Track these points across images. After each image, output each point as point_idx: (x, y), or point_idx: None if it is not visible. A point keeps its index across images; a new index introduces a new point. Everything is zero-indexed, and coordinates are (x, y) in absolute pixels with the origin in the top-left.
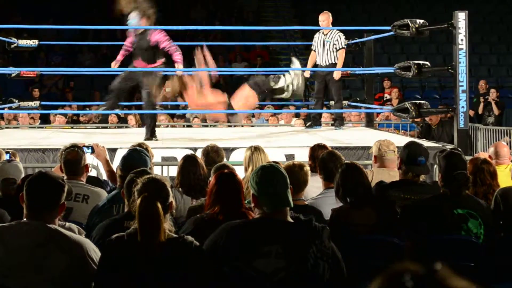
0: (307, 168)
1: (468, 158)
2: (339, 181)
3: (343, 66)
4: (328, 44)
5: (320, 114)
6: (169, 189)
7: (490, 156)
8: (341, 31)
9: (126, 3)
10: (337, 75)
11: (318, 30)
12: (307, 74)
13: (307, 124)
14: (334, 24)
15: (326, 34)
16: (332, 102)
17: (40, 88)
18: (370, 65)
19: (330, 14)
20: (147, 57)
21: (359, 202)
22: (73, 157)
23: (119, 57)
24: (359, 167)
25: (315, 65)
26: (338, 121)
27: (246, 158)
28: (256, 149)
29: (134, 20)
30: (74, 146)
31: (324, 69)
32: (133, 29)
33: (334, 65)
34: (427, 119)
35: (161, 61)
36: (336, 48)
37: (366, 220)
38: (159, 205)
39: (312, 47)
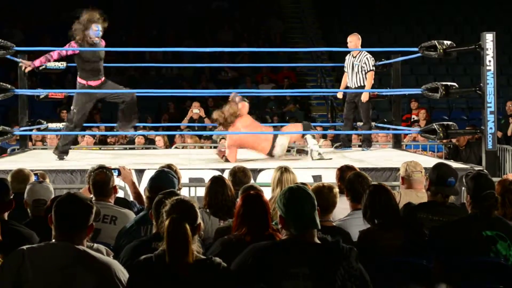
0: (336, 190)
1: (496, 179)
2: (366, 203)
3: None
4: (357, 67)
5: (349, 136)
6: (198, 210)
7: None
8: (368, 52)
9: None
10: (364, 97)
11: (349, 52)
12: (340, 95)
13: (336, 145)
14: (361, 45)
15: (355, 56)
16: (359, 124)
17: (68, 110)
18: (397, 86)
19: (359, 36)
20: (101, 68)
21: (387, 223)
22: (101, 178)
23: (37, 63)
24: (386, 188)
25: (346, 87)
26: (366, 142)
27: (274, 178)
28: (285, 170)
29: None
30: (103, 167)
31: (352, 91)
32: (86, 42)
33: (363, 87)
34: (454, 140)
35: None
36: (364, 70)
37: (394, 241)
38: (187, 226)
39: (344, 69)
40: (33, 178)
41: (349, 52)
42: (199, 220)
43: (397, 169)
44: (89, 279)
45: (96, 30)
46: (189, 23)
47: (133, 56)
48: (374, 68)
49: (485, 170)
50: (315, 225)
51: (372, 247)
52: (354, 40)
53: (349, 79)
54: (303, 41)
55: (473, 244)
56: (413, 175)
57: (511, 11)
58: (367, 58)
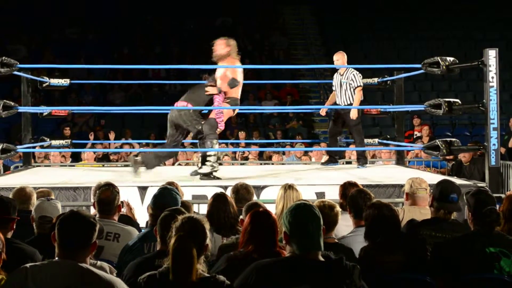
0: (338, 209)
1: (497, 196)
2: (368, 221)
3: (365, 104)
4: (345, 84)
5: (335, 152)
6: (207, 231)
7: None
8: (370, 69)
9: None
10: (353, 114)
11: (337, 70)
12: (323, 112)
13: (322, 162)
14: (363, 62)
15: (343, 74)
16: (340, 138)
17: (71, 127)
18: (400, 102)
19: (344, 54)
20: None
21: (389, 241)
22: (107, 196)
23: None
24: (387, 206)
25: (334, 105)
26: (362, 160)
27: (278, 195)
28: (289, 187)
29: None
30: (109, 185)
31: (340, 107)
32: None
33: (352, 104)
34: (459, 156)
35: None
36: (352, 86)
37: (396, 258)
38: (193, 246)
39: (332, 87)
40: (34, 197)
41: (337, 71)
42: (208, 241)
43: (401, 186)
44: None
45: None
46: (193, 40)
47: (136, 73)
48: (362, 84)
49: (485, 187)
50: (319, 247)
51: (374, 264)
52: (340, 58)
53: (338, 97)
54: (306, 58)
55: (476, 261)
56: (418, 192)
57: None
58: (353, 74)
